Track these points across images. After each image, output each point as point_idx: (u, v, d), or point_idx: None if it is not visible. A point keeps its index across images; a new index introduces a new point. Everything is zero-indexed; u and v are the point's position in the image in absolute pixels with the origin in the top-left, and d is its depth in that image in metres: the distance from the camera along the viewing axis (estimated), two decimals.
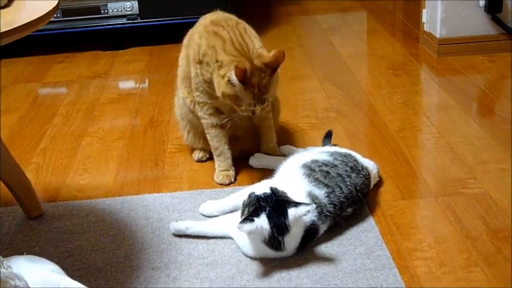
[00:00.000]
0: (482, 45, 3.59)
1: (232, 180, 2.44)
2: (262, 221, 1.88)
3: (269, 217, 1.88)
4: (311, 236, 2.01)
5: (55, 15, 3.38)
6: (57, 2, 1.99)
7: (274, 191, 1.94)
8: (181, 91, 2.51)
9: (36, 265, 1.51)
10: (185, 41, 2.48)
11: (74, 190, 2.46)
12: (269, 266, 1.95)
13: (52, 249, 2.09)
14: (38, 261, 1.56)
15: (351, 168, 2.15)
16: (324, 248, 2.02)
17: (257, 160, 2.52)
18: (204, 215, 2.22)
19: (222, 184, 2.43)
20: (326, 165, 2.14)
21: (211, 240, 2.09)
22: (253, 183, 2.29)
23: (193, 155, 2.63)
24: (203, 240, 2.09)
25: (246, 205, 1.95)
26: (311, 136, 2.78)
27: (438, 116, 2.96)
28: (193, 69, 2.34)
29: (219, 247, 2.05)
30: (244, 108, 2.24)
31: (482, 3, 3.52)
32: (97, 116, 3.13)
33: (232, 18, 2.36)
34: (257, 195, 1.93)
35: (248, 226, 1.87)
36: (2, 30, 1.70)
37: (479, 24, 3.57)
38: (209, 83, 2.29)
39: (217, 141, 2.45)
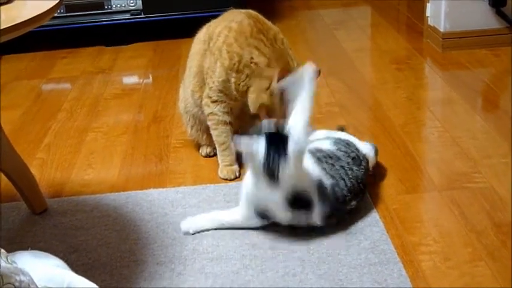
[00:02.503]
0: (487, 39, 3.58)
1: (237, 174, 2.44)
2: (261, 142, 1.87)
3: (268, 139, 1.87)
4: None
5: (58, 11, 3.38)
6: None
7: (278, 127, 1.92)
8: (191, 84, 2.51)
9: (41, 260, 1.51)
10: (202, 36, 2.46)
11: (78, 185, 2.47)
12: (273, 261, 1.95)
13: (57, 244, 2.10)
14: (43, 257, 1.56)
15: (352, 159, 2.14)
16: (328, 243, 2.02)
17: None
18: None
19: (226, 179, 2.43)
20: (330, 157, 2.13)
21: (216, 235, 2.09)
22: None
23: (200, 151, 2.63)
24: (208, 235, 2.09)
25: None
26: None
27: (442, 110, 2.95)
28: (223, 74, 2.32)
29: (223, 242, 2.05)
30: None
31: None
32: (101, 111, 3.13)
33: (270, 28, 2.34)
34: (260, 126, 1.93)
35: (246, 140, 1.86)
36: (5, 26, 1.70)
37: (483, 18, 3.56)
38: (241, 92, 2.32)
39: (225, 136, 2.45)
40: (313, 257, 1.96)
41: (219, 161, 2.48)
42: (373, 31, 4.24)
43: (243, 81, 2.30)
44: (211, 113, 2.43)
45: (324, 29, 4.22)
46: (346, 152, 2.16)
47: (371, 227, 2.09)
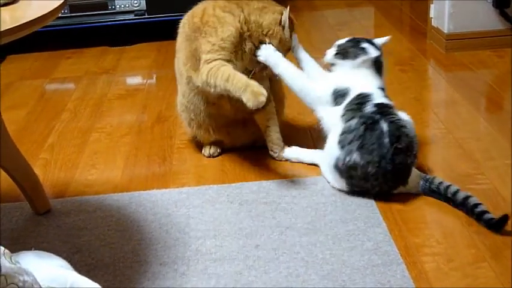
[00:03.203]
0: (490, 40, 3.57)
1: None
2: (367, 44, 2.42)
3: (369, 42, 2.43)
4: None
5: (63, 11, 3.38)
6: None
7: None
8: (185, 71, 2.45)
9: (44, 260, 1.52)
10: (180, 30, 2.53)
11: (81, 186, 2.47)
12: (276, 261, 1.95)
13: (60, 244, 2.10)
14: (46, 257, 1.56)
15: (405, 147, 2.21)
16: (332, 244, 2.02)
17: (292, 153, 2.52)
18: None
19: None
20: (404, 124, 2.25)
21: (219, 235, 2.09)
22: (261, 178, 2.30)
23: (203, 152, 2.63)
24: (211, 236, 2.09)
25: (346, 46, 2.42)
26: (319, 132, 2.77)
27: (446, 111, 2.95)
28: (230, 29, 2.32)
29: (226, 243, 2.06)
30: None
31: None
32: (105, 111, 3.13)
33: None
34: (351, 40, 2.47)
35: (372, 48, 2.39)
36: (11, 26, 1.71)
37: (487, 19, 3.56)
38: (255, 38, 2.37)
39: (230, 69, 2.28)
40: (316, 258, 1.96)
41: (248, 86, 2.22)
42: (377, 32, 4.23)
43: (254, 30, 2.35)
44: (211, 67, 2.29)
45: (328, 29, 4.22)
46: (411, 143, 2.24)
47: (374, 228, 2.09)
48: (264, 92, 2.19)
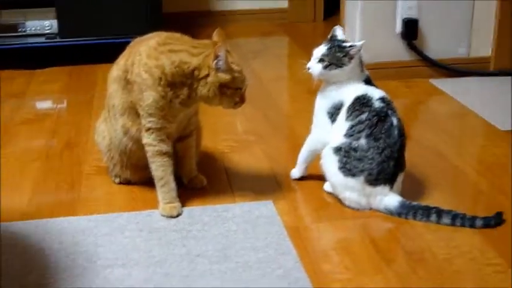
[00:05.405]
0: (399, 71, 3.68)
1: (180, 211, 2.35)
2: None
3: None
4: None
5: None
6: None
7: None
8: (122, 122, 2.40)
9: None
10: (115, 73, 2.39)
11: None
12: None
13: None
14: None
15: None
16: (242, 271, 2.01)
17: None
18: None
19: (170, 216, 2.33)
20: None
21: (128, 264, 2.05)
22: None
23: (113, 178, 2.58)
24: (119, 265, 2.05)
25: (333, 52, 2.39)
26: (231, 159, 2.78)
27: None
28: (152, 94, 2.25)
29: (136, 271, 2.02)
30: (243, 90, 2.37)
31: (398, 29, 3.62)
32: (12, 136, 3.05)
33: (171, 34, 2.38)
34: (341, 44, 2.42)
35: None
36: None
37: (395, 50, 3.67)
38: (204, 96, 2.28)
39: (162, 170, 2.36)
40: (224, 283, 1.95)
41: (159, 198, 2.38)
42: (290, 60, 4.30)
43: (196, 87, 2.27)
44: (146, 143, 2.35)
45: (241, 57, 4.20)
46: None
47: (284, 255, 2.09)
48: (178, 207, 2.36)
